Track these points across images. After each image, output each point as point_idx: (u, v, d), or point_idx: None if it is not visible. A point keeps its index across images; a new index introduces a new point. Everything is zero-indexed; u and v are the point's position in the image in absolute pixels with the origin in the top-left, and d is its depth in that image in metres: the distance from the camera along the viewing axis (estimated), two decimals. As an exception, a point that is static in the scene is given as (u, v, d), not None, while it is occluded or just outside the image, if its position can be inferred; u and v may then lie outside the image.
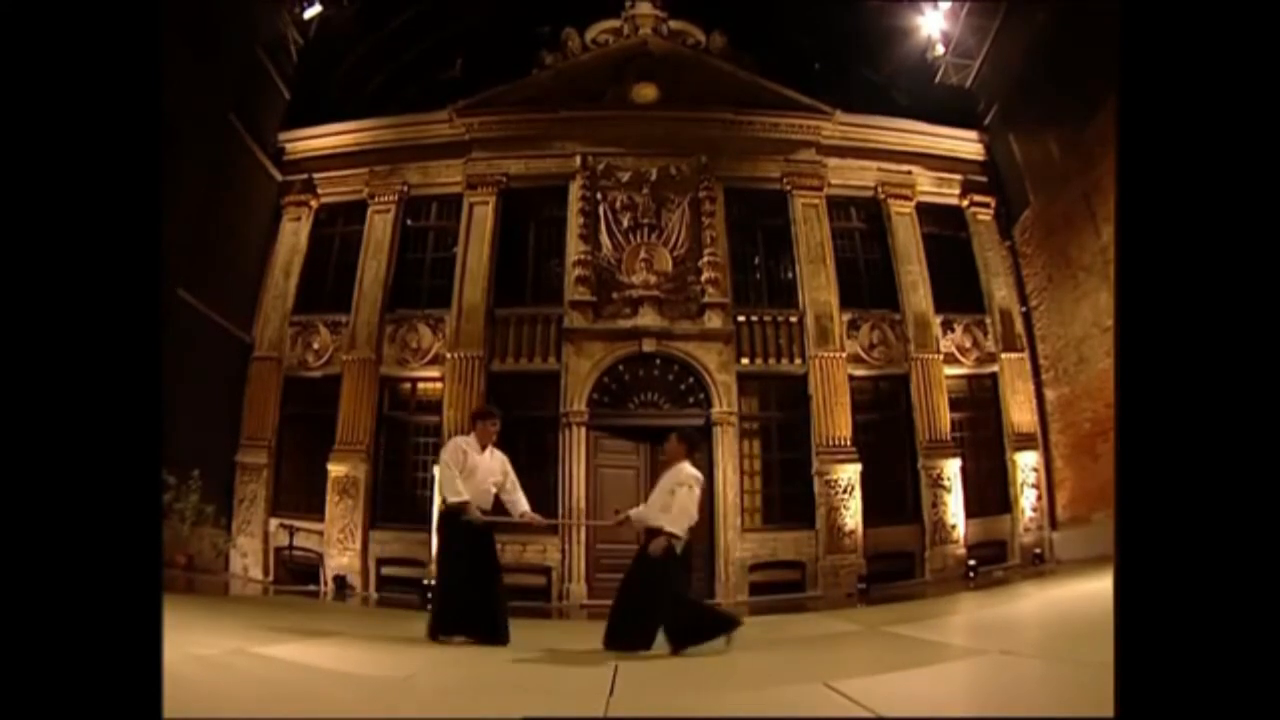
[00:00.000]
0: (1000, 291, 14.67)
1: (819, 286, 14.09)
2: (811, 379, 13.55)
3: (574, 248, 14.01)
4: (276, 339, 14.22)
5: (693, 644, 5.64)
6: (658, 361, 13.59)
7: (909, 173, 15.11)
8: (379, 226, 14.64)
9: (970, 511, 13.30)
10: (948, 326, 14.39)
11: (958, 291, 14.71)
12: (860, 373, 13.90)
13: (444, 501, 6.39)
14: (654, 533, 6.02)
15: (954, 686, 3.93)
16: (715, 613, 6.84)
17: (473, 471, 6.43)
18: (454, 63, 16.82)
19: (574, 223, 14.18)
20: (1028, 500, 13.56)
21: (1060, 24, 12.33)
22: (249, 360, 14.09)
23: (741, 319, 13.83)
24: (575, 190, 14.39)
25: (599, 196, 14.25)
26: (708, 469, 13.06)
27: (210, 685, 3.68)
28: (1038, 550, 13.11)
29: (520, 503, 6.72)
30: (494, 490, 6.60)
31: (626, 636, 5.82)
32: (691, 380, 13.50)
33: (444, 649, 5.90)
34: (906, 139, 15.29)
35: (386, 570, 12.89)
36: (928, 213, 15.12)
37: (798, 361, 13.73)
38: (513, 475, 6.75)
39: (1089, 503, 12.38)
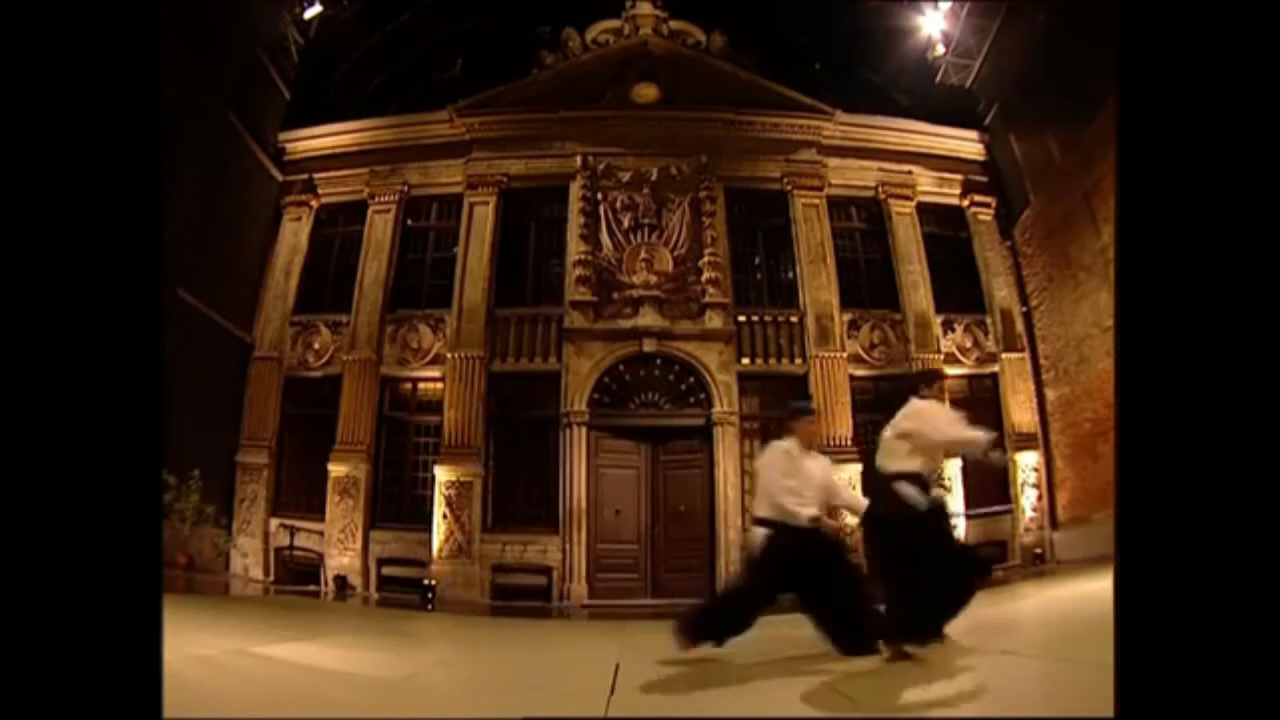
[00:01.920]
0: (1001, 291, 14.67)
1: (819, 286, 14.10)
2: (812, 379, 13.55)
3: (574, 248, 14.02)
4: (277, 339, 14.23)
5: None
6: (658, 361, 13.59)
7: (909, 173, 15.12)
8: (379, 226, 14.65)
9: (971, 511, 13.26)
10: (948, 326, 14.40)
11: (958, 291, 14.73)
12: (861, 373, 13.90)
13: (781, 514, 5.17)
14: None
15: (954, 686, 3.93)
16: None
17: (808, 479, 5.32)
18: (454, 63, 16.84)
19: (574, 223, 14.19)
20: (1028, 500, 13.54)
21: (1060, 24, 12.33)
22: (249, 360, 14.09)
23: (742, 319, 13.83)
24: (576, 190, 14.41)
25: (599, 196, 14.25)
26: (708, 470, 13.09)
27: (211, 686, 3.68)
28: (1038, 550, 13.09)
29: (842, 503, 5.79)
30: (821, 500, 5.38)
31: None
32: (692, 380, 13.50)
33: (443, 647, 5.89)
34: (907, 139, 15.30)
35: (387, 570, 12.87)
36: (928, 212, 15.15)
37: (798, 361, 13.74)
38: (833, 481, 5.63)
39: (1089, 503, 12.36)
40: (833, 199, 14.88)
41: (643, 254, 13.87)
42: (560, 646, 7.01)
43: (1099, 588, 4.73)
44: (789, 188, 14.74)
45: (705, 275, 13.81)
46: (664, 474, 13.23)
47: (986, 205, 15.20)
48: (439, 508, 12.67)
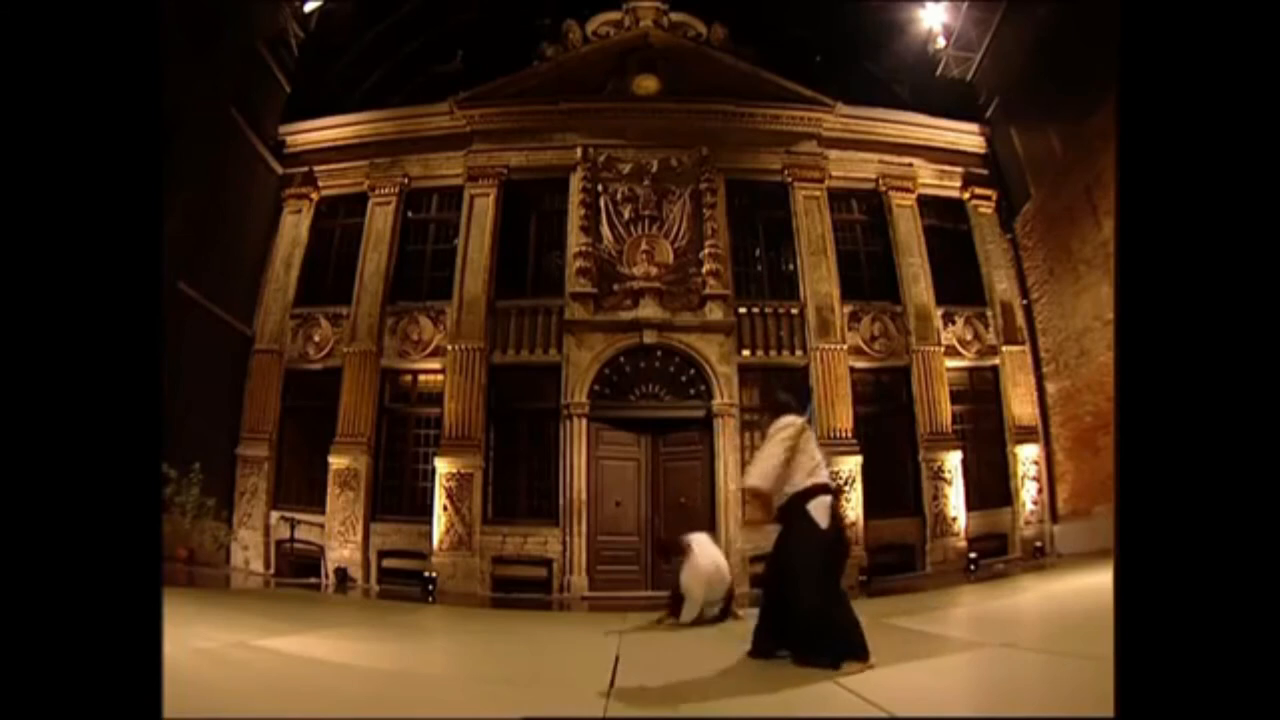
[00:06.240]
0: (1001, 284, 14.67)
1: (820, 279, 14.08)
2: (813, 371, 13.54)
3: (575, 239, 14.00)
4: (277, 331, 14.24)
5: None
6: (659, 353, 13.58)
7: (910, 165, 15.10)
8: (380, 219, 14.64)
9: (971, 504, 13.31)
10: (949, 319, 14.40)
11: (959, 284, 14.73)
12: (861, 365, 13.89)
13: None
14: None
15: (956, 680, 3.93)
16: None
17: None
18: (454, 55, 16.79)
19: (575, 214, 14.17)
20: (1028, 493, 13.57)
21: (1061, 17, 12.30)
22: (250, 353, 14.09)
23: (742, 311, 13.82)
24: (576, 182, 14.39)
25: (600, 188, 14.24)
26: (709, 462, 13.09)
27: (211, 679, 3.69)
28: (1038, 543, 13.13)
29: None
30: None
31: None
32: (693, 372, 13.49)
33: (444, 640, 5.89)
34: (908, 131, 15.27)
35: (387, 563, 12.90)
36: (929, 205, 15.13)
37: (799, 353, 13.73)
38: None
39: (1090, 496, 12.38)
40: (833, 191, 14.86)
41: (643, 246, 13.86)
42: (560, 639, 7.02)
43: (1099, 581, 4.74)
44: (790, 180, 14.71)
45: (706, 267, 13.79)
46: (664, 466, 13.24)
47: (987, 198, 15.20)
48: (439, 500, 12.69)
